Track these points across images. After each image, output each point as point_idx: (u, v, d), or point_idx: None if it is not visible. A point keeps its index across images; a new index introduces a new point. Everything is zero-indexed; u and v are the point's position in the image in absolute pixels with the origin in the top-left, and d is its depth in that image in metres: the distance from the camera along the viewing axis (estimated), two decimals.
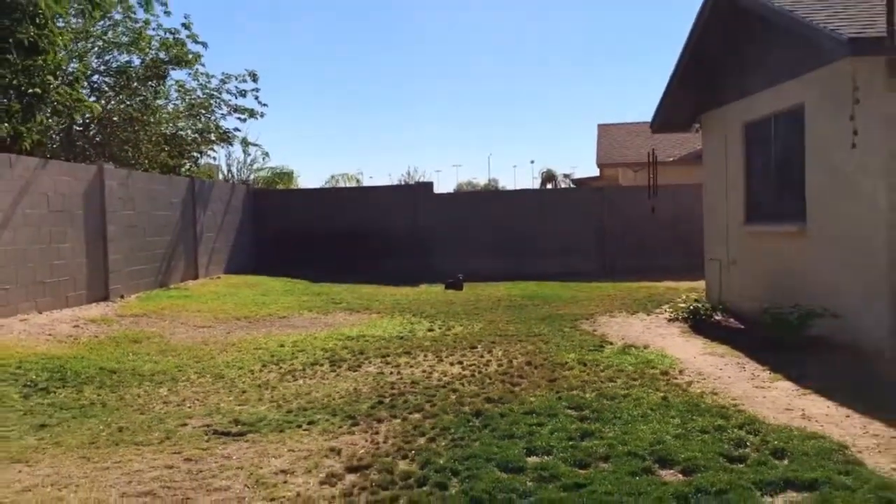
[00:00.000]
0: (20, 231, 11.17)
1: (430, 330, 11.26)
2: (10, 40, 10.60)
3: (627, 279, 17.59)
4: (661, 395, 6.69)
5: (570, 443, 5.37)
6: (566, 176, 65.95)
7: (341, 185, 30.12)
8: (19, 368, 8.13)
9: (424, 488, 4.66)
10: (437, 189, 23.87)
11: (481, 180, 74.74)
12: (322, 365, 8.76)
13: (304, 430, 6.12)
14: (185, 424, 6.40)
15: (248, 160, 28.90)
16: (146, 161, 19.14)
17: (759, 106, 10.96)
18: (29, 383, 7.67)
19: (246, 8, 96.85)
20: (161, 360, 9.16)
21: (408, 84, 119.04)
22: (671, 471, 4.79)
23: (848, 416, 5.93)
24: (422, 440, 5.67)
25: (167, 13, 18.93)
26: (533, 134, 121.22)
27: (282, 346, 10.01)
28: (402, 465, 5.12)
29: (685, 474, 4.69)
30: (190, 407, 7.04)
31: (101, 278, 13.34)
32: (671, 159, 23.23)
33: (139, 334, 10.70)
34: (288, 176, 32.33)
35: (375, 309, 13.91)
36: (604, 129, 29.94)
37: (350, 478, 4.96)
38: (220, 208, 19.53)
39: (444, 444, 5.54)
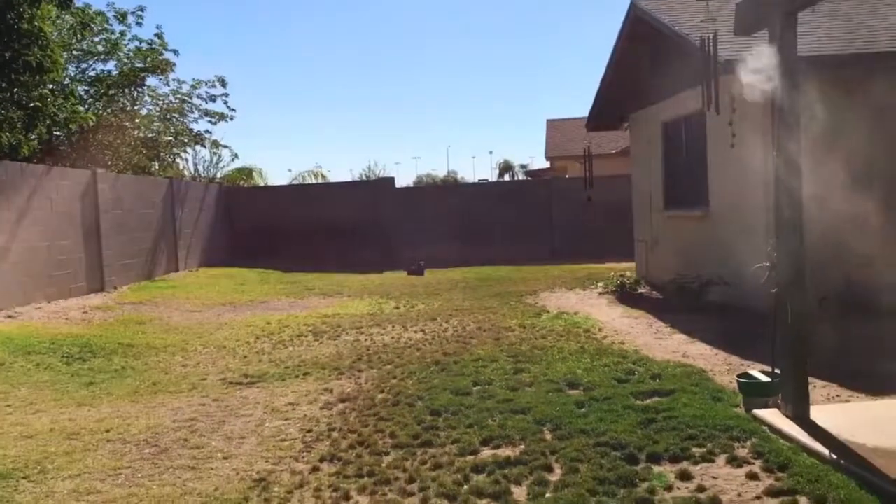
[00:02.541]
0: (31, 230, 12.66)
1: (396, 308, 12.98)
2: (20, 61, 12.03)
3: (573, 262, 19.48)
4: (580, 345, 8.53)
5: (506, 376, 7.17)
6: (523, 167, 67.98)
7: (308, 181, 31.70)
8: (53, 344, 9.68)
9: (398, 407, 6.40)
10: (398, 183, 25.63)
11: (440, 172, 76.44)
12: (306, 336, 10.44)
13: (301, 379, 7.83)
14: (205, 379, 8.07)
15: (215, 160, 30.32)
16: (121, 163, 20.51)
17: (672, 109, 12.84)
18: (66, 355, 9.26)
19: (203, 7, 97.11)
20: (167, 336, 10.75)
21: (365, 77, 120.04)
22: (577, 390, 6.59)
23: (716, 354, 7.83)
24: (394, 381, 7.41)
25: (139, 24, 20.18)
26: (492, 124, 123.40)
27: (268, 323, 11.65)
28: (380, 396, 6.85)
29: (585, 391, 6.50)
30: (204, 368, 8.70)
31: (98, 271, 14.83)
32: (613, 151, 25.21)
33: (142, 317, 12.26)
34: (248, 172, 33.76)
35: (346, 293, 15.58)
36: (552, 124, 31.89)
37: (342, 405, 6.68)
38: (195, 206, 21.01)
39: (411, 382, 7.28)
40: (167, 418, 6.54)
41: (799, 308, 5.26)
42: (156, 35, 20.32)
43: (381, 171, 41.72)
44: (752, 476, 4.46)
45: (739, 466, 4.63)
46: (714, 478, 4.51)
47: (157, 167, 23.01)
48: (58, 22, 17.80)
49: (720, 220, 11.19)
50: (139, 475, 5.16)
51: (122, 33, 19.99)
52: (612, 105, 15.15)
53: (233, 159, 28.55)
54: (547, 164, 33.22)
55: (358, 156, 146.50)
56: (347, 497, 4.55)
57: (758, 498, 4.18)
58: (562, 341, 8.84)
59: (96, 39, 20.08)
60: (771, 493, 4.21)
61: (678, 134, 12.88)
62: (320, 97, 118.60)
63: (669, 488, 4.39)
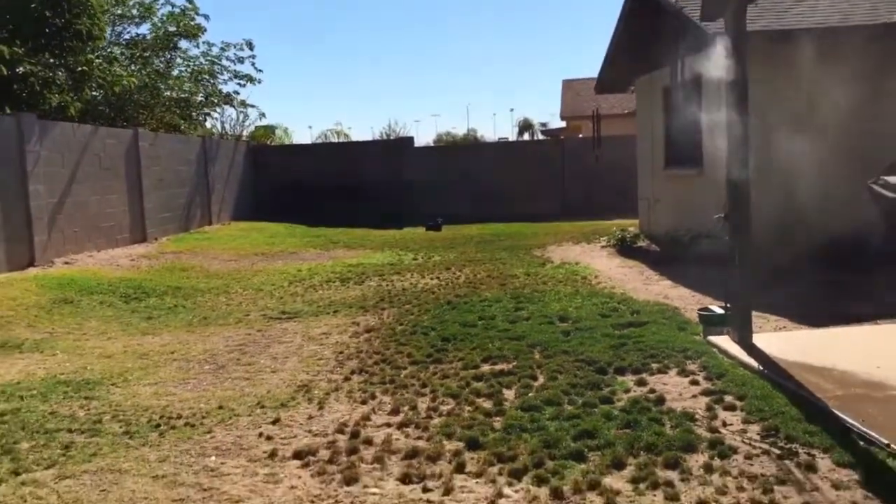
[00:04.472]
0: (83, 185, 13.90)
1: (415, 259, 14.16)
2: (71, 29, 13.16)
3: (583, 219, 20.47)
4: (575, 289, 9.68)
5: (507, 313, 8.34)
6: (542, 125, 68.40)
7: (330, 139, 32.78)
8: (110, 286, 10.97)
9: (414, 335, 7.60)
10: (418, 142, 26.72)
11: (460, 130, 76.90)
12: (334, 282, 11.65)
13: (332, 315, 9.05)
14: (248, 314, 9.32)
15: (241, 118, 31.44)
16: (154, 122, 21.66)
17: (672, 74, 13.75)
18: (123, 295, 10.54)
19: None
20: (209, 281, 12.02)
21: (385, 33, 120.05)
22: (566, 323, 7.74)
23: (693, 296, 8.94)
24: (412, 316, 8.60)
25: None
26: (513, 82, 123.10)
27: (299, 271, 12.88)
28: (400, 327, 8.05)
29: (573, 323, 7.65)
30: (246, 306, 9.95)
31: (140, 224, 16.11)
32: (625, 112, 25.99)
33: (184, 265, 13.53)
34: (272, 130, 34.94)
35: (368, 246, 16.77)
36: (567, 85, 32.67)
37: (367, 334, 7.88)
38: (225, 163, 22.22)
39: (426, 317, 8.46)
40: (220, 344, 7.78)
41: (744, 252, 6.36)
42: (188, 0, 21.32)
43: (401, 130, 42.72)
44: (694, 383, 5.60)
45: (686, 376, 5.77)
46: (664, 384, 5.65)
47: (185, 126, 24.16)
48: None
49: (712, 179, 12.14)
50: (204, 383, 6.39)
51: None
52: (619, 69, 16.01)
53: (260, 118, 29.57)
54: (563, 124, 34.05)
55: (378, 112, 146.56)
56: (374, 397, 5.75)
57: (693, 397, 5.33)
58: (560, 286, 9.98)
59: (130, 3, 21.10)
60: (704, 392, 5.35)
61: (677, 98, 13.80)
62: (340, 52, 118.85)
63: (628, 391, 5.54)
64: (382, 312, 9.02)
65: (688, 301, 8.70)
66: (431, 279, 11.43)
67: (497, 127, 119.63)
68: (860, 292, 8.39)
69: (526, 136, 66.14)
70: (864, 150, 10.12)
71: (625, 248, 13.71)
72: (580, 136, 27.48)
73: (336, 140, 33.02)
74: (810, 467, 4.09)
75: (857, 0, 11.31)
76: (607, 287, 9.85)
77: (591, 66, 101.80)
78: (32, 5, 12.79)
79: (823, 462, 4.15)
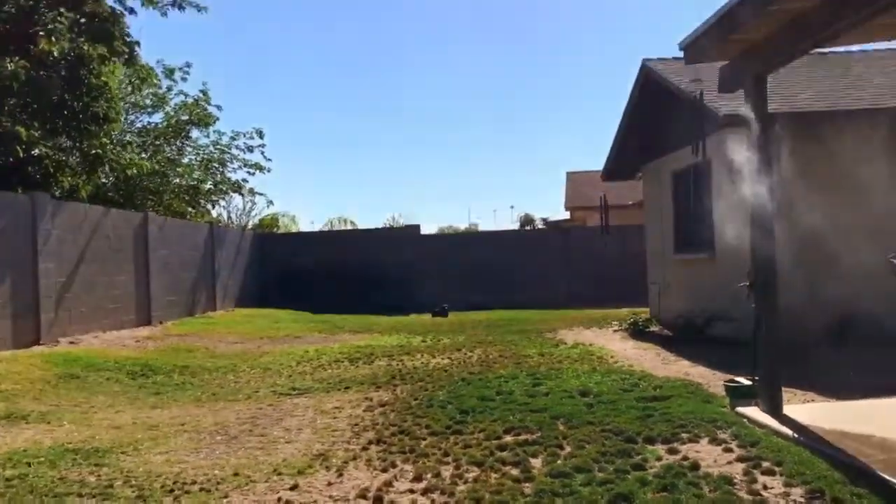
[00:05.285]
0: (91, 265, 13.86)
1: (424, 341, 13.99)
2: (88, 112, 13.39)
3: (591, 306, 20.36)
4: (592, 367, 9.51)
5: (525, 388, 8.14)
6: (544, 220, 68.95)
7: (336, 227, 33.03)
8: (117, 363, 10.78)
9: (431, 408, 7.40)
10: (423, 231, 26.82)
11: (462, 226, 77.41)
12: (343, 362, 11.46)
13: (343, 391, 8.85)
14: (258, 391, 9.11)
15: (247, 207, 31.70)
16: (161, 208, 21.80)
17: (682, 159, 13.91)
18: (130, 372, 10.34)
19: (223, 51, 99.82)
20: (216, 361, 11.83)
21: (386, 133, 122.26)
22: (587, 397, 7.54)
23: (714, 374, 8.76)
24: (426, 391, 8.40)
25: (185, 79, 21.64)
26: (513, 180, 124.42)
27: (307, 352, 12.69)
28: (415, 402, 7.84)
29: (594, 397, 7.46)
30: (255, 384, 9.75)
31: (146, 306, 15.99)
32: (630, 203, 26.19)
33: (190, 346, 13.35)
34: (276, 219, 35.30)
35: (375, 330, 16.62)
36: (571, 177, 33.12)
37: (382, 408, 7.68)
38: (232, 250, 22.27)
39: (441, 392, 8.26)
40: (231, 417, 7.57)
41: (771, 324, 6.25)
42: (201, 91, 21.79)
43: (405, 221, 43.00)
44: (728, 450, 5.41)
45: (719, 445, 5.57)
46: (697, 452, 5.45)
47: (191, 213, 24.33)
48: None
49: (725, 262, 12.14)
50: (217, 452, 6.18)
51: (169, 88, 21.52)
52: (625, 156, 16.25)
53: (268, 206, 29.84)
54: (566, 215, 34.36)
55: (381, 211, 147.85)
56: (394, 465, 5.54)
57: (729, 463, 5.13)
58: (576, 364, 9.81)
59: (144, 93, 21.56)
60: (740, 459, 5.16)
61: (687, 183, 13.93)
62: (342, 152, 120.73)
63: (659, 458, 5.34)
64: (395, 388, 8.82)
65: (708, 378, 8.53)
66: (443, 359, 11.26)
67: (498, 223, 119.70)
68: (886, 366, 8.22)
69: (526, 229, 66.41)
70: (884, 227, 10.13)
71: (637, 331, 13.58)
72: (585, 225, 27.65)
73: (342, 228, 33.24)
74: None
75: (862, 85, 11.56)
76: (625, 365, 9.68)
77: (589, 158, 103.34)
78: (53, 87, 13.02)
79: None
